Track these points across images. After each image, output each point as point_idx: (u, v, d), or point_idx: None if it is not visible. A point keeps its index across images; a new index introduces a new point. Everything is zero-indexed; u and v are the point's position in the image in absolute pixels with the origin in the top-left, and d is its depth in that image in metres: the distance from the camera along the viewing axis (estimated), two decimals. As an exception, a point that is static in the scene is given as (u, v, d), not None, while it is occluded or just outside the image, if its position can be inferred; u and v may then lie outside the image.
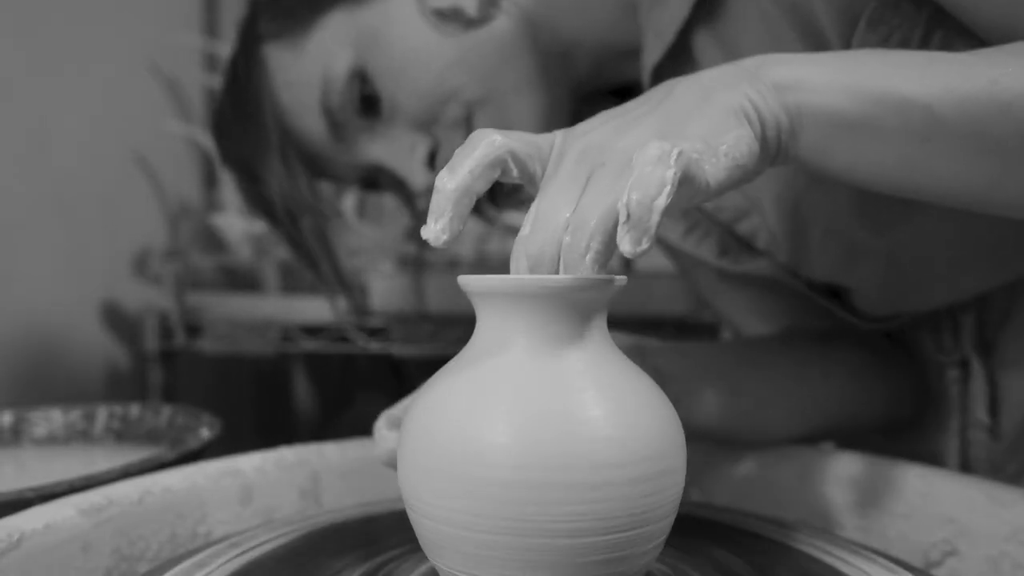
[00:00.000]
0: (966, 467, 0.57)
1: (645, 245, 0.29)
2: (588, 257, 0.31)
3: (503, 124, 0.56)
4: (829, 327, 0.60)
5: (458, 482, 0.30)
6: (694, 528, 0.43)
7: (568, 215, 0.32)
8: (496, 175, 0.34)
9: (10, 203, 1.02)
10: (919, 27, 0.41)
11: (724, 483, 0.55)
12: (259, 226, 1.17)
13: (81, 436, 0.69)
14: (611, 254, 0.31)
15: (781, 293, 0.60)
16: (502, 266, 0.35)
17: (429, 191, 0.56)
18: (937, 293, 0.54)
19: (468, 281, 0.32)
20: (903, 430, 0.61)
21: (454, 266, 1.15)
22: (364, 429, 0.57)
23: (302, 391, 1.57)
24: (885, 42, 0.41)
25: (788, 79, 0.35)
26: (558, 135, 0.37)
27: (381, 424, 0.45)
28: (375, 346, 1.09)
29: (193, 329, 1.12)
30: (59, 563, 0.40)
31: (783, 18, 0.44)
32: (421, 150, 0.57)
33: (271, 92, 0.58)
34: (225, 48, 1.32)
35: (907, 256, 0.51)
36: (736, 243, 0.56)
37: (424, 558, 0.36)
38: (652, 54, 0.50)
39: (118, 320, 1.21)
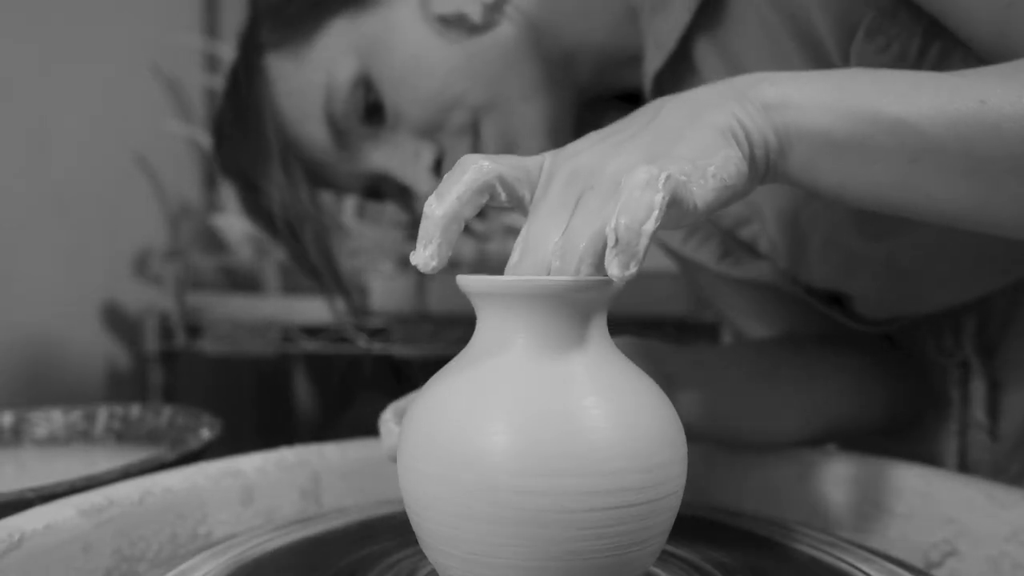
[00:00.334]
0: (965, 468, 0.57)
1: (633, 269, 0.29)
2: None
3: (510, 130, 0.56)
4: (830, 330, 0.60)
5: (457, 482, 0.30)
6: (694, 528, 0.43)
7: (557, 240, 0.32)
8: (484, 200, 0.34)
9: (10, 203, 1.02)
10: (917, 37, 0.41)
11: (724, 483, 0.55)
12: (259, 227, 1.17)
13: (82, 436, 0.69)
14: None
15: (782, 297, 0.60)
16: (502, 266, 0.35)
17: None
18: (937, 299, 0.54)
19: (468, 282, 0.32)
20: (903, 431, 0.61)
21: (454, 266, 1.15)
22: (365, 429, 0.57)
23: (303, 392, 1.57)
24: (883, 52, 0.41)
25: (776, 99, 0.35)
26: (547, 157, 0.37)
27: (388, 416, 0.44)
28: (376, 347, 1.09)
29: (194, 329, 1.12)
30: (59, 563, 0.40)
31: (783, 26, 0.44)
32: (427, 157, 0.57)
33: (272, 101, 0.58)
34: (226, 48, 1.32)
35: (907, 264, 0.51)
36: (737, 245, 0.56)
37: (424, 558, 0.36)
38: (653, 62, 0.50)
39: (118, 320, 1.22)
